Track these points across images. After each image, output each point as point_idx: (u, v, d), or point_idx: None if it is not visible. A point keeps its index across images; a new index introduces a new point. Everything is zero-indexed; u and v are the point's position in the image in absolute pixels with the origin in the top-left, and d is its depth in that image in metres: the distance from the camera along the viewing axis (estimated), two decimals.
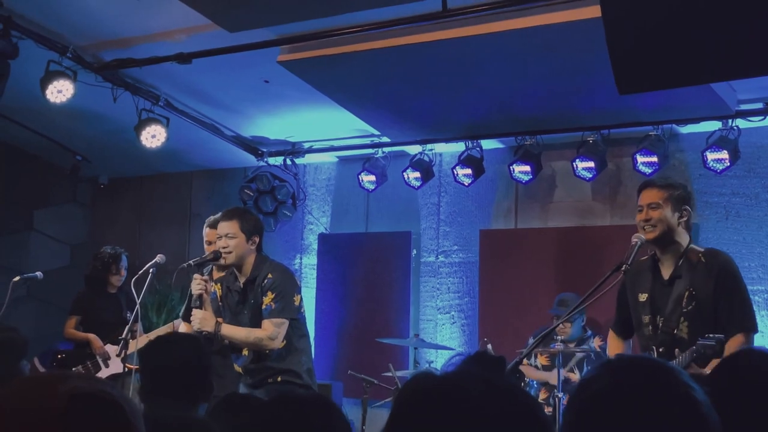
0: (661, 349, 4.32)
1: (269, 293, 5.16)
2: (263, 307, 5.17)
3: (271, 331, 5.12)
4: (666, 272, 4.45)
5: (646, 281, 4.46)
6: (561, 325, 6.69)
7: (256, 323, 5.19)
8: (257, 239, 5.29)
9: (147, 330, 7.69)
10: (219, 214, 5.90)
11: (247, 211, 5.60)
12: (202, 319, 5.15)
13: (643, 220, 4.41)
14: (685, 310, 4.30)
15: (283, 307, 5.16)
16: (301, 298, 5.34)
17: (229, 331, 5.18)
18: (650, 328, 4.42)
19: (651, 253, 4.53)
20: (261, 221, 5.56)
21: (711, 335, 4.04)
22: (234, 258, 5.21)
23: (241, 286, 5.28)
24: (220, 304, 5.40)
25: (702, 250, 4.46)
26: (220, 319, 5.22)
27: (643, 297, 4.48)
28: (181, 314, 6.33)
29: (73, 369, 7.16)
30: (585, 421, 1.57)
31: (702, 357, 4.00)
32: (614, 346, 4.79)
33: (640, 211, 4.45)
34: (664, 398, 1.55)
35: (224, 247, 5.20)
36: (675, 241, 4.41)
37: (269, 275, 5.21)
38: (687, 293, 4.31)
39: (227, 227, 5.22)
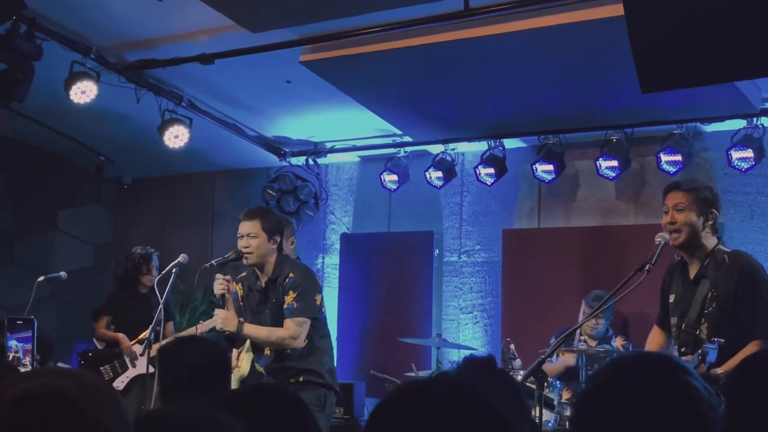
0: (683, 349, 4.30)
1: (291, 292, 5.16)
2: (285, 306, 5.17)
3: (293, 330, 5.13)
4: (693, 273, 4.42)
5: (676, 282, 4.44)
6: (592, 323, 6.70)
7: (278, 322, 5.19)
8: (279, 238, 5.29)
9: (177, 329, 7.76)
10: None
11: (268, 211, 5.60)
12: (225, 319, 5.16)
13: (669, 223, 4.35)
14: (706, 311, 4.26)
15: (304, 306, 5.16)
16: (323, 298, 5.34)
17: (252, 330, 5.19)
18: (676, 328, 4.41)
19: (680, 257, 4.50)
20: (282, 221, 5.56)
21: (715, 339, 4.00)
22: (256, 258, 5.22)
23: (263, 285, 5.29)
24: (241, 303, 5.41)
25: (728, 251, 4.40)
26: (242, 319, 5.23)
27: (672, 298, 4.47)
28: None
29: (100, 368, 7.20)
30: (589, 411, 1.59)
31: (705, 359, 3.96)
32: (654, 340, 4.69)
33: (666, 213, 4.40)
34: (662, 391, 1.56)
35: (246, 247, 5.21)
36: (701, 244, 4.36)
37: (291, 274, 5.21)
38: (709, 294, 4.27)
39: (249, 227, 5.22)
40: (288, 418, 2.18)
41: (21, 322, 6.15)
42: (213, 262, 5.39)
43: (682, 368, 1.63)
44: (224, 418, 1.71)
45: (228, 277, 5.31)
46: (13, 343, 6.10)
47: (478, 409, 1.42)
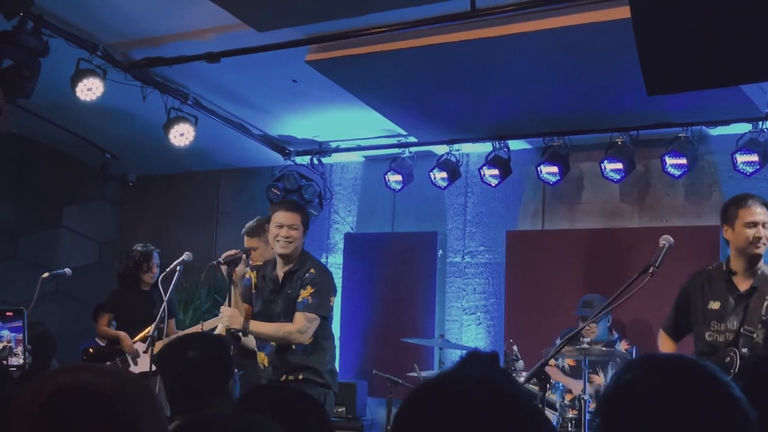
0: (744, 350, 4.55)
1: (309, 287, 5.20)
2: (299, 299, 5.19)
3: (302, 325, 5.15)
4: (741, 284, 4.73)
5: (718, 290, 4.75)
6: (588, 328, 6.69)
7: (289, 314, 5.22)
8: (306, 234, 5.43)
9: (180, 326, 7.77)
10: (254, 222, 6.05)
11: (304, 205, 5.69)
12: (231, 317, 5.16)
13: (757, 237, 4.67)
14: (765, 318, 4.60)
15: (318, 303, 5.20)
16: (334, 301, 5.39)
17: (258, 327, 5.20)
18: (727, 335, 4.66)
19: (722, 265, 4.83)
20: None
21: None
22: (292, 248, 5.30)
23: (279, 276, 5.32)
24: (253, 291, 5.43)
25: None
26: (247, 307, 5.24)
27: (715, 305, 4.74)
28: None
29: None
30: (621, 413, 1.58)
31: None
32: (669, 347, 5.00)
33: (752, 226, 4.68)
34: (705, 396, 1.56)
35: (286, 237, 5.26)
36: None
37: (312, 270, 5.28)
38: (766, 303, 4.62)
39: (292, 218, 5.30)
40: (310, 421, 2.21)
41: (11, 313, 6.14)
42: (220, 259, 5.41)
43: (715, 370, 1.63)
44: (265, 420, 1.72)
45: (239, 250, 5.38)
46: (5, 332, 6.08)
47: (513, 408, 1.42)
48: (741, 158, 6.75)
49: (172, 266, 5.80)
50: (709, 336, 4.70)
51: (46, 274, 7.09)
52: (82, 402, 1.34)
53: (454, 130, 7.85)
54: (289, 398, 2.34)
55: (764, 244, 4.69)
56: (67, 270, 7.44)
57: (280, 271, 5.34)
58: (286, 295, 5.27)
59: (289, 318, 5.21)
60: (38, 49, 6.68)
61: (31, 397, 1.35)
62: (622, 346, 6.97)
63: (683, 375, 1.59)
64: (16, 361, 5.89)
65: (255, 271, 5.47)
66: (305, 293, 5.19)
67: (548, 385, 5.01)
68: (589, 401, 6.12)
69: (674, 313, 4.99)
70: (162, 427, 1.42)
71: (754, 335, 4.57)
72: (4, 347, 6.01)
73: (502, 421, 1.40)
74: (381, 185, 8.42)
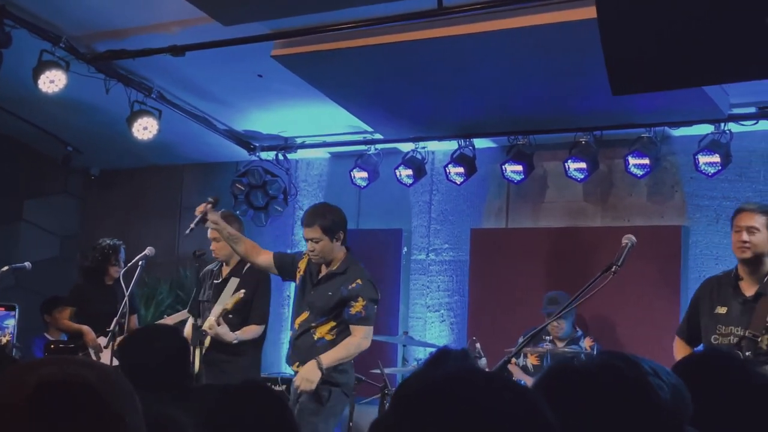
0: (748, 353, 4.63)
1: (360, 299, 5.35)
2: (352, 312, 5.33)
3: (363, 333, 5.36)
4: (748, 289, 4.80)
5: (726, 296, 4.84)
6: (555, 324, 6.76)
7: (315, 310, 5.39)
8: (342, 235, 5.45)
9: (142, 322, 7.72)
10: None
11: (325, 211, 5.58)
12: (308, 379, 5.25)
13: (740, 241, 4.76)
14: None
15: (369, 313, 5.39)
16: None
17: (332, 358, 5.30)
18: (731, 338, 4.75)
19: (731, 272, 4.92)
20: (342, 215, 5.58)
21: None
22: (321, 258, 5.45)
23: (321, 272, 5.49)
24: (300, 274, 5.59)
25: None
26: (321, 357, 5.32)
27: (722, 309, 4.83)
28: (188, 308, 6.38)
29: None
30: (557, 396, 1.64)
31: None
32: (683, 351, 5.05)
33: (737, 232, 4.79)
34: (619, 380, 1.66)
35: (312, 251, 5.42)
36: (763, 262, 4.79)
37: (359, 281, 5.40)
38: None
39: (310, 233, 5.40)
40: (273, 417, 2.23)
41: (4, 308, 6.41)
42: (192, 225, 5.64)
43: (638, 360, 1.71)
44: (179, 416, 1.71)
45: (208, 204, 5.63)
46: (10, 321, 6.32)
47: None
48: (703, 159, 6.82)
49: (134, 261, 5.78)
50: (714, 340, 4.81)
51: (5, 268, 7.03)
52: (70, 394, 1.33)
53: (419, 127, 7.86)
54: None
55: (748, 248, 4.75)
56: (27, 264, 7.37)
57: (323, 268, 5.50)
58: (323, 292, 5.42)
59: (315, 313, 5.39)
60: (0, 40, 6.61)
61: (14, 389, 1.33)
62: (585, 343, 7.02)
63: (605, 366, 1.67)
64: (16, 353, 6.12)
65: (306, 258, 5.60)
66: (357, 306, 5.34)
67: None
68: None
69: (686, 319, 5.14)
70: (141, 419, 1.41)
71: (759, 340, 4.65)
72: (8, 341, 6.31)
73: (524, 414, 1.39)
74: (346, 182, 8.41)
